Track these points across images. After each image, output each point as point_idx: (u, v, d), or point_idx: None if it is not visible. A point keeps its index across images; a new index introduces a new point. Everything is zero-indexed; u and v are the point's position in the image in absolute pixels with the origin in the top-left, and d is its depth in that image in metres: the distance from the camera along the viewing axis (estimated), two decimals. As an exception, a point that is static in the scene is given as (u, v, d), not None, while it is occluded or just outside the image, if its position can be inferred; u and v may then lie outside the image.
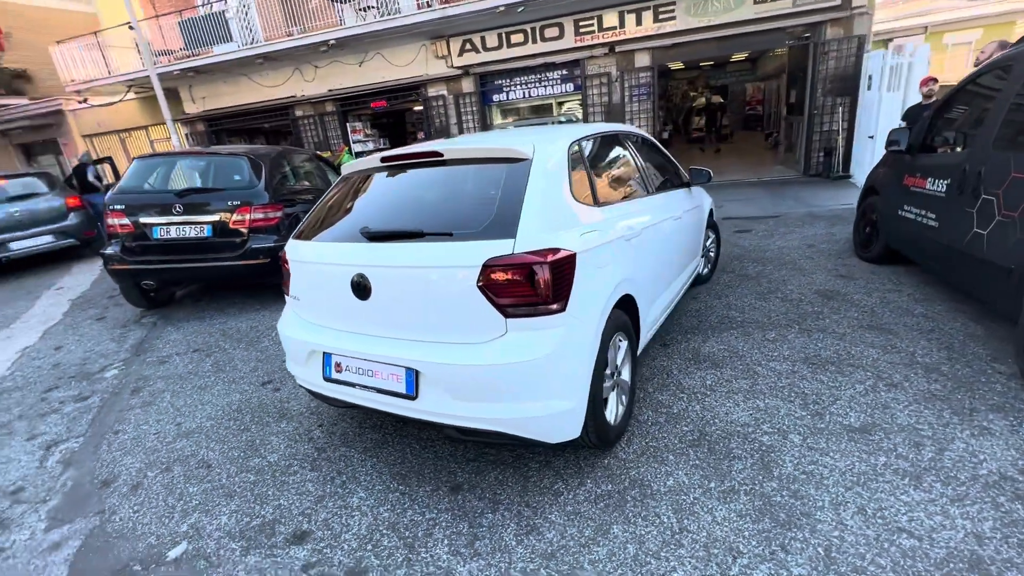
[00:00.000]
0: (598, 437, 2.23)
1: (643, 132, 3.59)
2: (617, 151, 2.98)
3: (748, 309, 3.95)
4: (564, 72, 10.68)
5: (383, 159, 2.43)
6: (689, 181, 3.87)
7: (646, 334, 2.79)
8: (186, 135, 13.79)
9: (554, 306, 1.93)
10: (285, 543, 2.09)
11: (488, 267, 1.88)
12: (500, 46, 10.59)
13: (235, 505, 2.35)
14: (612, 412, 2.35)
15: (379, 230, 2.18)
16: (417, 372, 2.01)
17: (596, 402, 2.13)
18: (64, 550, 2.21)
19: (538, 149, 2.17)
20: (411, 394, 2.05)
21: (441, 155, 2.29)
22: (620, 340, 2.38)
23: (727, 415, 2.62)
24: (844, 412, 2.55)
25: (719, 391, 2.84)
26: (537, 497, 2.19)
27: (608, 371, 2.29)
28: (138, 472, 2.71)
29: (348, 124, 12.44)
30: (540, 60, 10.56)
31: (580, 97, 10.69)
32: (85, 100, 13.81)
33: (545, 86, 10.91)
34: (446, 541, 2.00)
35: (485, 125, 11.49)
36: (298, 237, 2.49)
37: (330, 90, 12.07)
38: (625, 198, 2.71)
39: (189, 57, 11.79)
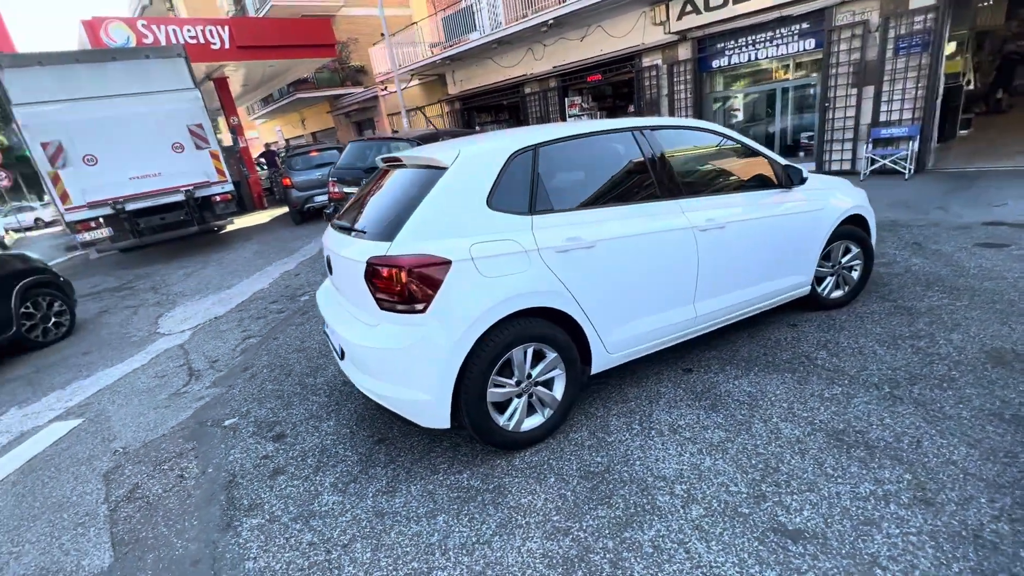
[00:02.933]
0: (483, 437, 2.35)
1: (711, 125, 3.06)
2: (611, 151, 2.71)
3: (847, 353, 3.03)
4: (803, 26, 8.78)
5: (383, 160, 2.91)
6: (781, 180, 3.12)
7: (614, 354, 2.60)
8: (446, 113, 16.67)
9: (417, 306, 2.13)
10: (260, 434, 2.95)
11: (368, 264, 2.21)
12: (724, 3, 9.34)
13: (270, 405, 3.36)
14: (512, 419, 2.40)
15: (340, 223, 2.70)
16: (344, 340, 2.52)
17: (474, 403, 2.25)
18: (201, 400, 3.59)
19: (460, 158, 2.30)
20: (341, 358, 2.58)
21: (401, 161, 2.63)
22: (528, 349, 2.36)
23: (656, 461, 2.31)
24: (796, 508, 1.95)
25: (681, 435, 2.46)
26: (421, 468, 2.48)
27: (515, 379, 2.34)
28: (263, 366, 4.03)
29: (566, 99, 13.01)
30: (774, 14, 8.92)
31: (821, 55, 8.67)
32: (385, 88, 18.01)
33: (777, 45, 9.19)
34: (335, 477, 2.52)
35: (699, 96, 10.46)
36: (330, 219, 3.22)
37: (554, 67, 12.78)
38: (600, 204, 2.52)
39: (450, 47, 14.12)
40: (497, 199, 2.30)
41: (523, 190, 2.37)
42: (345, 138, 22.83)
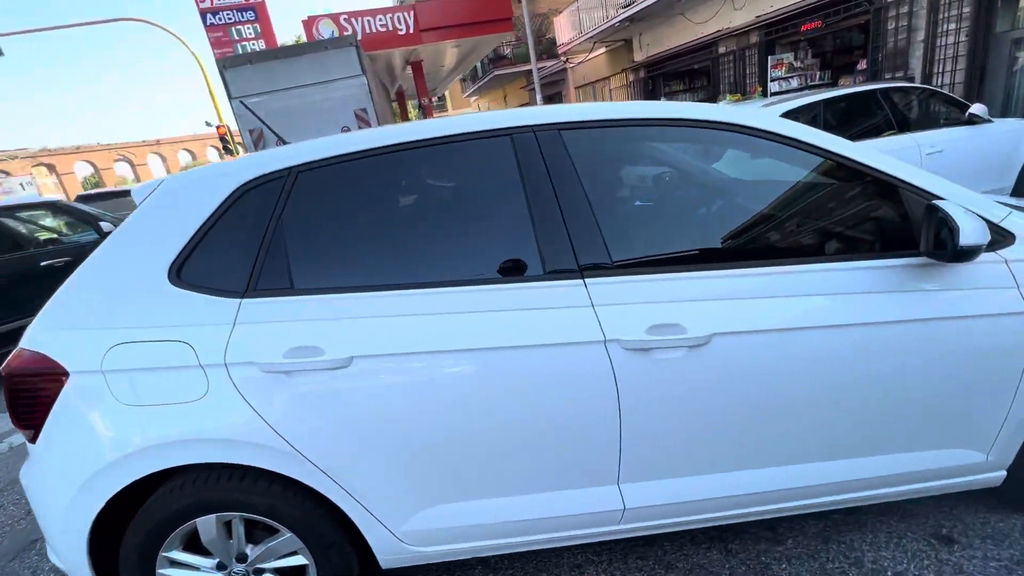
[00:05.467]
0: None
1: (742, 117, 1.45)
2: (456, 175, 1.44)
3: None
4: None
5: None
6: (929, 241, 1.34)
7: (422, 548, 1.44)
8: (630, 82, 14.91)
9: (26, 430, 1.38)
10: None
11: None
12: None
13: None
14: None
15: None
16: None
17: None
18: None
19: (157, 192, 1.43)
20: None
21: None
22: (231, 521, 1.42)
23: None
24: None
25: None
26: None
27: (215, 561, 1.45)
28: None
29: (769, 57, 10.08)
30: None
31: None
32: (567, 60, 16.98)
33: None
34: None
35: (982, 37, 6.78)
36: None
37: (757, 16, 10.00)
38: (397, 280, 1.36)
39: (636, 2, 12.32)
40: (191, 267, 1.37)
41: (246, 252, 1.38)
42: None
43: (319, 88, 9.87)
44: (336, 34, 12.26)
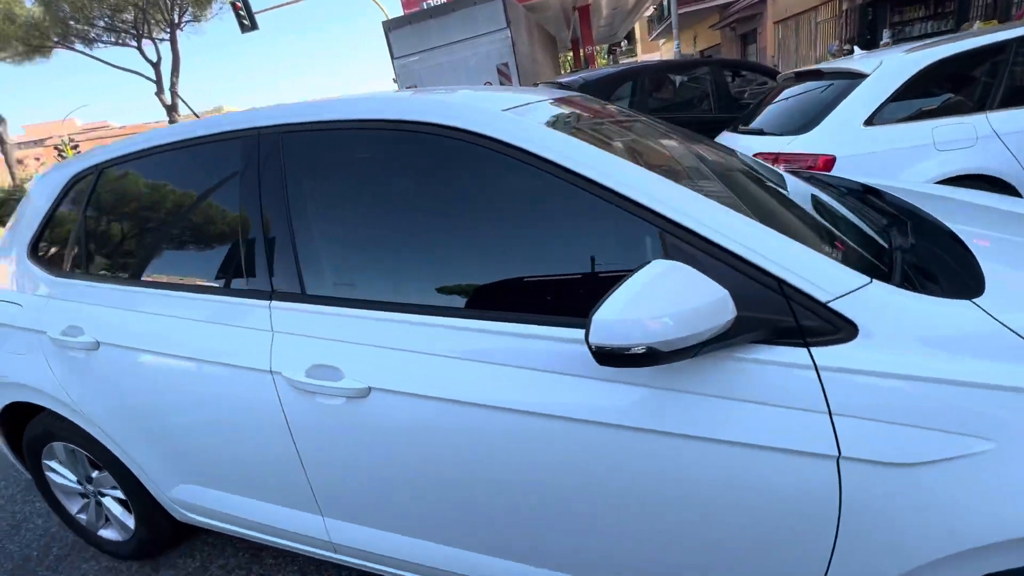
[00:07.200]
0: (53, 508, 1.96)
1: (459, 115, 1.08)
2: (209, 178, 1.37)
3: None
4: None
5: None
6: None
7: (190, 514, 1.58)
8: (842, 13, 11.89)
9: None
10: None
11: None
12: None
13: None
14: (84, 514, 1.90)
15: None
16: None
17: (32, 463, 1.87)
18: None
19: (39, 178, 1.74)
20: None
21: None
22: (74, 451, 1.76)
23: None
24: None
25: None
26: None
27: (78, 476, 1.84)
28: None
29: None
30: None
31: None
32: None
33: None
34: None
35: None
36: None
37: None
38: (144, 277, 1.44)
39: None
40: (44, 248, 1.66)
41: (70, 237, 1.60)
42: (731, 55, 19.71)
43: (467, 44, 10.20)
44: (496, -15, 12.29)
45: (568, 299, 0.99)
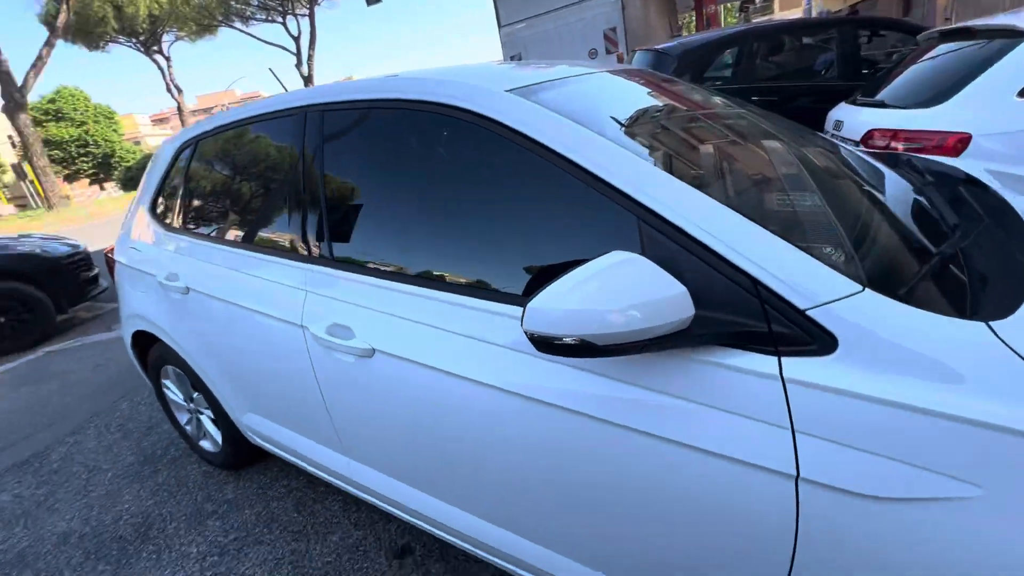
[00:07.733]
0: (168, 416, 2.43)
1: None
2: (273, 152, 1.52)
3: None
4: None
5: None
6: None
7: (256, 440, 1.87)
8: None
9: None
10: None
11: None
12: None
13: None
14: (189, 426, 2.31)
15: None
16: None
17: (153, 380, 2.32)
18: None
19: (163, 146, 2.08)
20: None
21: None
22: (179, 373, 2.12)
23: None
24: None
25: None
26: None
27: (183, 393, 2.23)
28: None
29: None
30: None
31: None
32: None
33: None
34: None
35: None
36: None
37: None
38: (227, 235, 1.69)
39: None
40: (160, 205, 1.99)
41: (176, 197, 1.91)
42: (889, 11, 16.73)
43: (574, 9, 9.86)
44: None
45: (540, 281, 1.00)
